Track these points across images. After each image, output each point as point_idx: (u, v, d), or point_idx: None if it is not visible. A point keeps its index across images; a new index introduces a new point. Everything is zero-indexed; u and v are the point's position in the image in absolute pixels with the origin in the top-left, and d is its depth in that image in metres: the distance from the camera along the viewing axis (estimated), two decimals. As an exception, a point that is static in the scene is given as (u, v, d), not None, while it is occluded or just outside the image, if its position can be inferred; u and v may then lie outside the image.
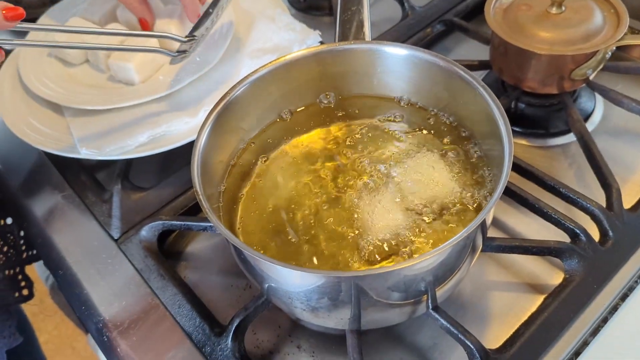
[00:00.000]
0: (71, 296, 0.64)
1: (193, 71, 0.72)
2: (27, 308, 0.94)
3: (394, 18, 0.92)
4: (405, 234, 0.51)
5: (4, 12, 0.51)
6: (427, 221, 0.52)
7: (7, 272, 0.77)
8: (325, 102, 0.63)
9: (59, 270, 0.66)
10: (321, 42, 0.78)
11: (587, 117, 0.74)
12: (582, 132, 0.67)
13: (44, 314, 1.92)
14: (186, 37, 0.66)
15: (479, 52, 0.86)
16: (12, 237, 0.80)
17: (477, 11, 0.91)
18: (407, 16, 0.89)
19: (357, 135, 0.60)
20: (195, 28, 0.67)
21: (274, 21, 0.80)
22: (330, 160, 0.58)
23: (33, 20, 0.85)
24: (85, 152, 0.66)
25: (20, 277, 0.80)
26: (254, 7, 0.83)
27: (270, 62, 0.58)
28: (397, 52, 0.58)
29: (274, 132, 0.62)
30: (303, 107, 0.63)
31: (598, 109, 0.76)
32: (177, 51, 0.67)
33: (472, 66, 0.76)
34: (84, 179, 0.73)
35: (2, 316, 0.70)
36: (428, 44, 0.88)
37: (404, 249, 0.50)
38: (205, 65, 0.73)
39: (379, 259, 0.50)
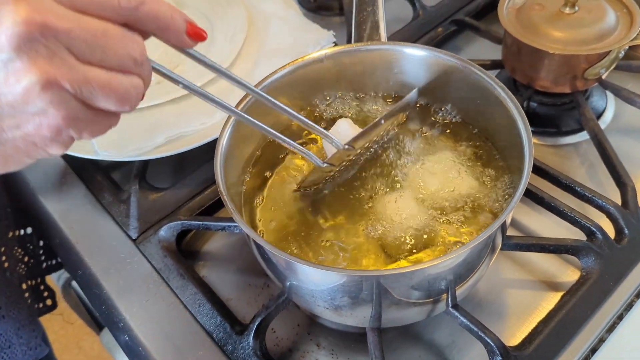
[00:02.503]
0: (91, 296, 0.65)
1: (208, 72, 0.73)
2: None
3: (405, 18, 0.92)
4: (427, 232, 0.51)
5: (188, 27, 0.38)
6: (447, 220, 0.52)
7: (29, 282, 0.77)
8: (342, 102, 0.64)
9: (78, 271, 0.66)
10: (335, 43, 0.78)
11: (598, 116, 0.75)
12: (595, 130, 0.68)
13: (50, 313, 1.92)
14: (346, 144, 0.53)
15: (490, 51, 0.86)
16: (31, 247, 0.80)
17: (487, 10, 0.92)
18: (418, 16, 0.90)
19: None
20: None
21: (287, 22, 0.80)
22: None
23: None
24: (104, 154, 0.67)
25: (42, 287, 0.80)
26: (267, 8, 0.83)
27: (288, 64, 0.59)
28: (415, 53, 0.58)
29: (291, 131, 0.63)
30: (321, 107, 0.64)
31: (609, 108, 0.76)
32: (326, 162, 0.54)
33: (484, 65, 0.76)
34: (100, 179, 0.74)
35: (29, 327, 0.70)
36: (439, 44, 0.88)
37: (426, 248, 0.50)
38: (220, 66, 0.73)
39: (401, 257, 0.50)
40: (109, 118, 0.37)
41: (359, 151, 0.56)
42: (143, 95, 0.38)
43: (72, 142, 0.37)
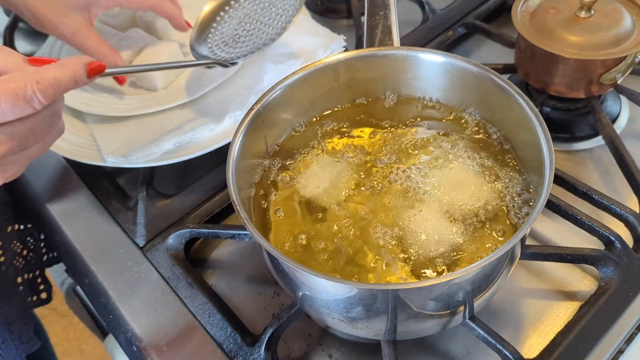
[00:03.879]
0: (97, 305, 0.64)
1: (216, 77, 0.72)
2: (36, 311, 0.93)
3: (414, 21, 0.91)
4: (445, 242, 0.50)
5: (87, 68, 0.46)
6: (468, 230, 0.51)
7: (26, 275, 0.76)
8: (355, 108, 0.63)
9: (84, 279, 0.65)
10: (345, 48, 0.77)
11: (613, 121, 0.74)
12: (612, 136, 0.66)
13: (52, 317, 1.91)
14: (231, 63, 0.66)
15: (500, 54, 0.85)
16: (32, 241, 0.79)
17: (497, 13, 0.91)
18: (428, 19, 0.89)
19: (387, 142, 0.60)
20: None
21: (296, 26, 0.79)
22: (363, 166, 0.58)
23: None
24: (112, 160, 0.66)
25: (39, 280, 0.79)
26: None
27: (301, 69, 0.57)
28: (430, 58, 0.57)
29: (302, 138, 0.62)
30: (331, 113, 0.63)
31: (624, 113, 0.75)
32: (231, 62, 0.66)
33: (497, 69, 0.75)
34: (107, 185, 0.72)
35: (21, 320, 0.69)
36: (449, 47, 0.87)
37: (444, 259, 0.49)
38: (228, 71, 0.72)
39: (418, 268, 0.49)
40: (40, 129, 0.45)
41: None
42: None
43: (25, 164, 0.47)
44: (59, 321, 1.93)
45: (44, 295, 0.80)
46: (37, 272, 0.80)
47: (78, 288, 1.00)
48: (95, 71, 0.47)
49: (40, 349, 0.76)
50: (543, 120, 0.49)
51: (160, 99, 0.71)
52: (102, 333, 1.08)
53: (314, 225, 0.54)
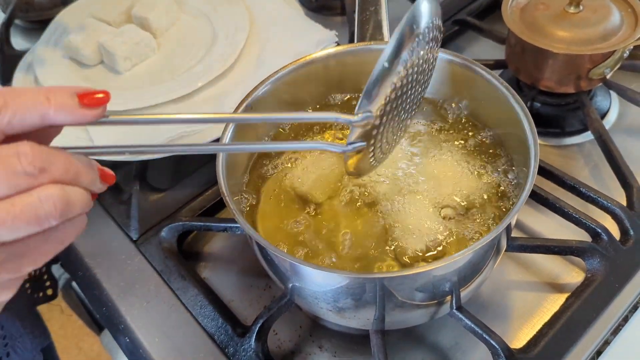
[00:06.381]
0: (91, 297, 0.64)
1: (209, 72, 0.72)
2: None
3: (406, 17, 0.91)
4: (431, 233, 0.51)
5: (78, 97, 0.32)
6: (454, 220, 0.52)
7: (33, 272, 0.77)
8: (345, 102, 0.63)
9: (78, 272, 0.66)
10: (337, 43, 0.78)
11: (602, 116, 0.74)
12: (600, 131, 0.67)
13: (50, 313, 1.92)
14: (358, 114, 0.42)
15: (492, 50, 0.86)
16: None
17: (489, 10, 0.92)
18: (420, 15, 0.89)
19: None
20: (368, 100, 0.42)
21: (288, 21, 0.80)
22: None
23: (47, 21, 0.85)
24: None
25: (45, 276, 0.79)
26: (268, 7, 0.83)
27: (290, 63, 0.58)
28: (419, 53, 0.58)
29: (292, 132, 0.62)
30: (321, 107, 0.63)
31: (613, 108, 0.76)
32: (349, 143, 0.43)
33: (488, 65, 0.76)
34: (101, 180, 0.73)
35: (31, 316, 0.70)
36: (441, 44, 0.87)
37: (430, 250, 0.50)
38: (221, 66, 0.73)
39: (405, 259, 0.50)
40: (46, 239, 0.31)
41: (380, 112, 0.42)
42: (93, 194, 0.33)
43: (20, 281, 0.33)
44: (57, 318, 1.93)
45: (49, 292, 0.81)
46: (44, 269, 0.80)
47: (74, 283, 1.01)
48: (89, 103, 0.33)
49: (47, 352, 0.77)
50: (528, 112, 0.50)
51: (155, 93, 0.72)
52: (99, 328, 1.08)
53: (303, 217, 0.55)
